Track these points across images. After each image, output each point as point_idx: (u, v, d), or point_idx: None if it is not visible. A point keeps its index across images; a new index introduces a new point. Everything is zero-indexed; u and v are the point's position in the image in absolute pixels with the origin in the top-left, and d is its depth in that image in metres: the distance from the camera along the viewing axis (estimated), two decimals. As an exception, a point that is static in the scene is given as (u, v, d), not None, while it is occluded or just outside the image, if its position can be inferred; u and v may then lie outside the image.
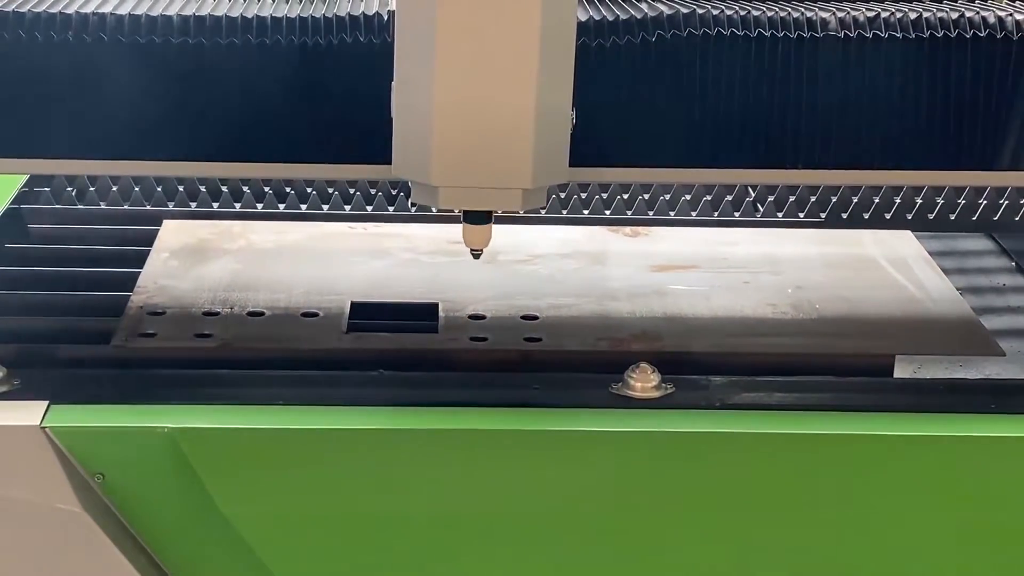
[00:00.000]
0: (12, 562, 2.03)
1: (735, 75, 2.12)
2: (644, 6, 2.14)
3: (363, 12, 2.09)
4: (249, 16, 2.08)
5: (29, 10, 2.06)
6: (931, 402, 2.15)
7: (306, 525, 2.05)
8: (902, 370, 2.31)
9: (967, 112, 2.16)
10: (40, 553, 2.02)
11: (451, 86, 1.92)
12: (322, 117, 2.11)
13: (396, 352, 2.24)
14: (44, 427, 2.00)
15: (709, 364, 2.23)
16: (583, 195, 2.85)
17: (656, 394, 2.11)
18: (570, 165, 2.03)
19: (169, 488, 2.03)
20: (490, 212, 2.07)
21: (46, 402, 2.04)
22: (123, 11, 2.07)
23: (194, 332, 2.27)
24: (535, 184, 1.99)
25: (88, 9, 2.07)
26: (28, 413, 2.01)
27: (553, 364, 2.24)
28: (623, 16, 2.10)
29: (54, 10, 2.06)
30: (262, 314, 2.34)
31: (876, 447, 2.06)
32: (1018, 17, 2.15)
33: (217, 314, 2.33)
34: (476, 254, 2.14)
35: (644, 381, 2.11)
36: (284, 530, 2.06)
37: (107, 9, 2.07)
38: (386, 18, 2.08)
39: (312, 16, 2.09)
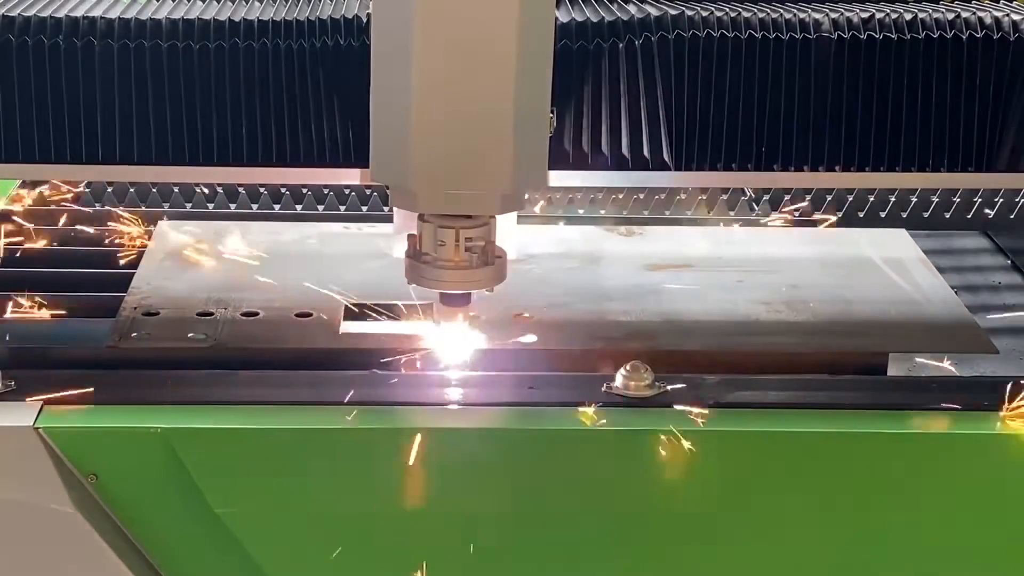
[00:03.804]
0: (5, 563, 2.03)
1: (724, 78, 2.12)
2: (632, 8, 2.14)
3: (343, 15, 2.09)
4: (236, 20, 2.09)
5: (19, 14, 2.06)
6: (925, 400, 2.15)
7: (299, 525, 2.06)
8: (896, 368, 2.31)
9: (963, 113, 2.15)
10: (34, 554, 2.02)
11: (429, 90, 1.91)
12: (301, 120, 2.11)
13: (390, 352, 2.24)
14: (37, 428, 2.00)
15: (702, 363, 2.23)
16: (578, 195, 2.85)
17: (649, 393, 2.11)
18: (550, 168, 2.02)
19: (162, 489, 2.03)
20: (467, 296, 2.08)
21: (40, 403, 2.04)
22: (112, 15, 2.08)
23: (188, 333, 2.27)
24: (514, 188, 1.98)
25: (78, 13, 2.07)
26: (22, 414, 2.02)
27: (547, 363, 2.24)
28: (608, 18, 2.09)
29: (44, 14, 2.06)
30: (256, 314, 2.34)
31: (870, 445, 2.07)
32: (1015, 17, 2.15)
33: (211, 315, 2.33)
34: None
35: (637, 380, 2.11)
36: (277, 530, 2.06)
37: (97, 13, 2.07)
38: (365, 21, 2.07)
39: (296, 19, 2.10)
